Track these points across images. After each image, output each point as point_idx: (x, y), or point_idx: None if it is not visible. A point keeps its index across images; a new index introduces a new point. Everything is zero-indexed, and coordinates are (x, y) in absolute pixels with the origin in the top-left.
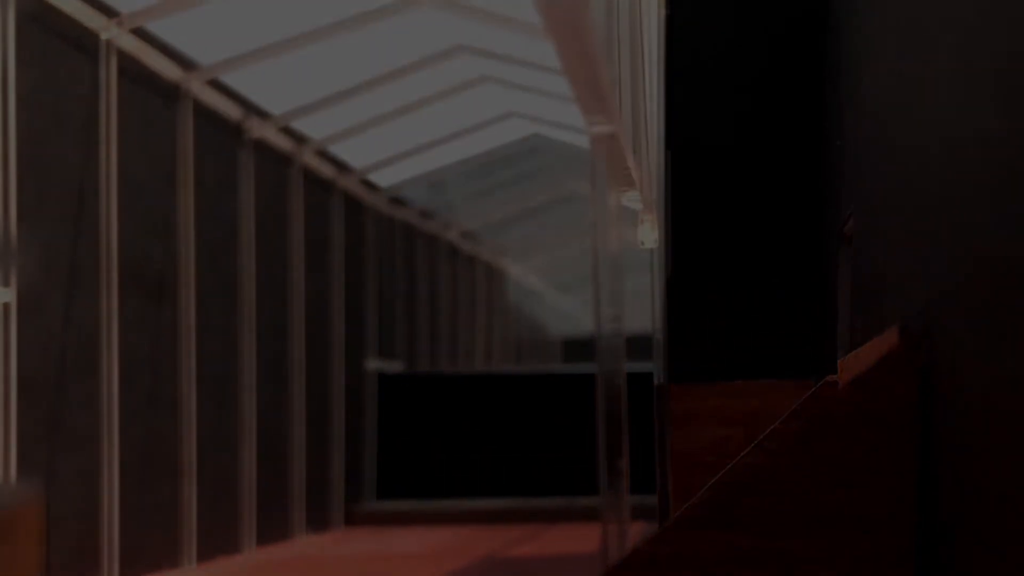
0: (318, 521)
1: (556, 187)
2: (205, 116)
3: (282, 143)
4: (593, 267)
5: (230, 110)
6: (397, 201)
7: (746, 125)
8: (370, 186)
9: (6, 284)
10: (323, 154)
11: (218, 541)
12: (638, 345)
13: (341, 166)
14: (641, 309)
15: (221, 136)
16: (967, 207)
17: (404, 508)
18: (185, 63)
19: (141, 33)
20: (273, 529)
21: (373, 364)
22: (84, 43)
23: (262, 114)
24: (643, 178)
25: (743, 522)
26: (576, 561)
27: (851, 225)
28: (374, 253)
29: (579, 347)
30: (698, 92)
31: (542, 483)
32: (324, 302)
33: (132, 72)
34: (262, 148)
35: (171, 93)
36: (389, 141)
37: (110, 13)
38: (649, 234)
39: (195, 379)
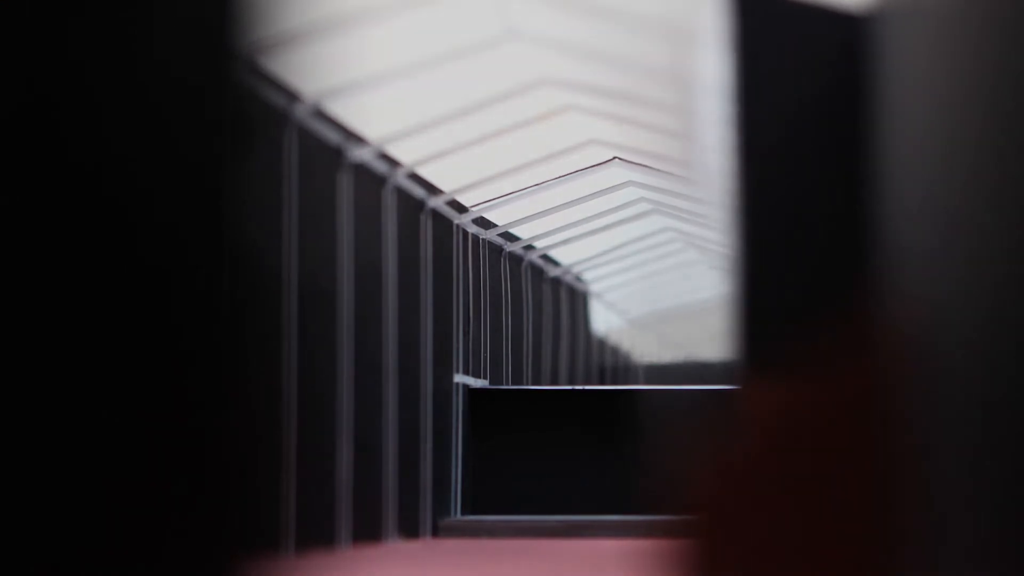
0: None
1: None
2: (308, 141)
3: (377, 166)
4: None
5: (330, 135)
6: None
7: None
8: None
9: None
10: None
11: None
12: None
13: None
14: None
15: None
16: (968, 217)
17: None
18: (288, 92)
19: None
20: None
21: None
22: None
23: (360, 140)
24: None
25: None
26: None
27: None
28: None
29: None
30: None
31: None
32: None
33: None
34: (359, 171)
35: (278, 119)
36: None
37: None
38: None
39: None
